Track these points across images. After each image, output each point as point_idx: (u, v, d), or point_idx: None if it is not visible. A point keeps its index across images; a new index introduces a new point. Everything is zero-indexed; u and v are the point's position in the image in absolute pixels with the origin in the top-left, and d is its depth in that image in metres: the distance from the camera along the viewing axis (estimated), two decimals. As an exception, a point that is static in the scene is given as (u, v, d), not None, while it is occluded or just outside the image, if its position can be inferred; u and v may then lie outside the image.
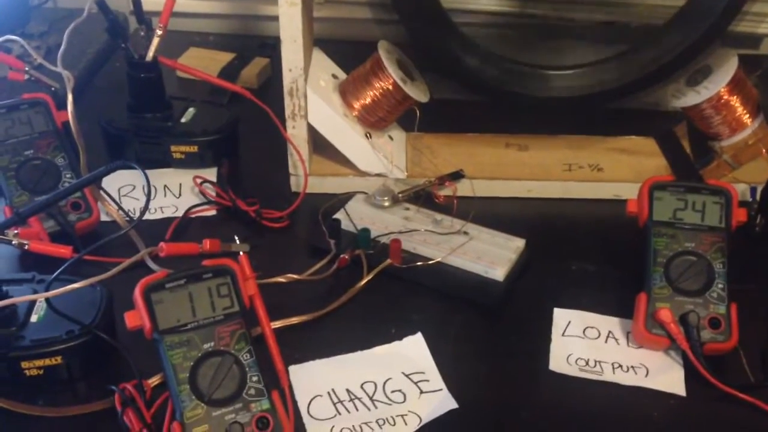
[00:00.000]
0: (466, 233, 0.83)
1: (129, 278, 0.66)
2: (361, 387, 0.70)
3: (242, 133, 0.99)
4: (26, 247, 0.78)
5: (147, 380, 0.68)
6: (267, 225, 0.87)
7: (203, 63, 1.11)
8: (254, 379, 0.63)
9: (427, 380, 0.71)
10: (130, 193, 0.92)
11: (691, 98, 0.90)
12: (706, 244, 0.75)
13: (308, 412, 0.68)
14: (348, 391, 0.70)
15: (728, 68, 0.89)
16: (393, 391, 0.70)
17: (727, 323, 0.72)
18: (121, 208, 0.88)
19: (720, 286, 0.73)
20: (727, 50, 0.91)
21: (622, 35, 1.10)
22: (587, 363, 0.73)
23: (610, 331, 0.76)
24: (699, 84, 0.90)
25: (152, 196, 0.90)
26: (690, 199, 0.76)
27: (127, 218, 0.87)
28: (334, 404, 0.68)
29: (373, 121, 0.92)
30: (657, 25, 1.02)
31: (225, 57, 1.16)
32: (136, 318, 0.62)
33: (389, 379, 0.71)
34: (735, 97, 0.89)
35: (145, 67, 0.93)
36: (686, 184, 0.77)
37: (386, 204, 0.87)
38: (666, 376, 0.71)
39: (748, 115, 0.90)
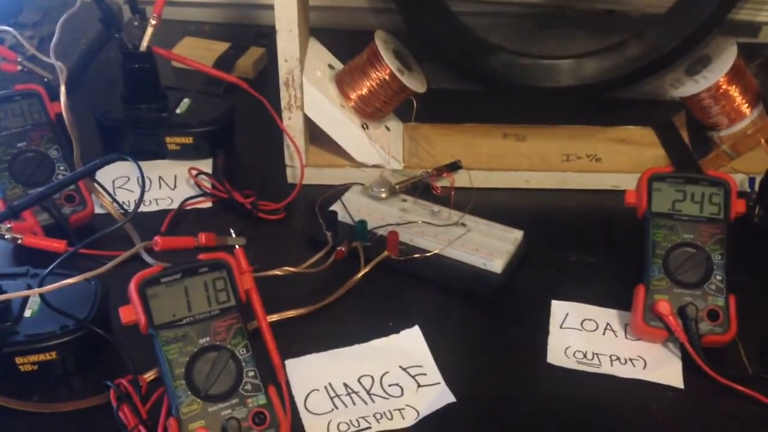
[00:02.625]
0: (463, 225, 0.83)
1: (124, 272, 0.66)
2: (359, 381, 0.70)
3: (238, 123, 0.98)
4: (20, 241, 0.77)
5: (142, 375, 0.67)
6: (263, 217, 0.87)
7: (198, 53, 1.10)
8: (251, 374, 0.63)
9: (425, 374, 0.70)
10: (124, 185, 0.91)
11: (689, 88, 0.90)
12: (705, 235, 0.74)
13: (305, 406, 0.67)
14: (345, 385, 0.69)
15: (727, 57, 0.88)
16: (390, 385, 0.69)
17: (725, 315, 0.71)
18: (115, 200, 0.87)
19: (718, 277, 0.73)
20: (726, 39, 0.90)
21: (621, 24, 1.10)
22: (585, 355, 0.72)
23: (608, 324, 0.76)
24: (698, 73, 0.90)
25: (147, 188, 0.90)
26: (689, 190, 0.76)
27: (122, 211, 0.86)
28: (331, 398, 0.68)
29: (369, 111, 0.92)
30: (656, 14, 1.01)
31: (220, 47, 1.15)
32: (131, 313, 0.62)
33: (386, 372, 0.70)
34: (734, 86, 0.89)
35: (140, 57, 0.92)
36: (685, 175, 0.77)
37: (383, 195, 0.87)
38: (664, 368, 0.71)
39: (747, 105, 0.90)
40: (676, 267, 0.73)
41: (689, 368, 0.71)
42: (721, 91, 0.89)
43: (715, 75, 0.88)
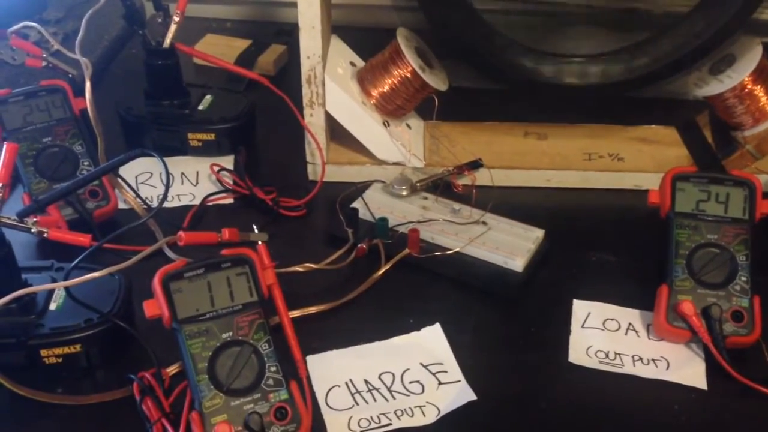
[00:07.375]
0: (484, 223, 0.83)
1: (147, 267, 0.66)
2: (379, 377, 0.70)
3: (259, 120, 0.99)
4: (45, 235, 0.77)
5: (165, 369, 0.68)
6: (284, 213, 0.87)
7: (220, 50, 1.11)
8: (273, 369, 0.63)
9: (446, 371, 0.70)
10: (147, 180, 0.92)
11: (714, 87, 0.89)
12: (729, 236, 0.74)
13: (326, 402, 0.68)
14: (366, 381, 0.69)
15: (752, 57, 0.87)
16: (411, 382, 0.69)
17: (749, 316, 0.71)
18: (138, 195, 0.88)
19: (743, 278, 0.72)
20: (751, 38, 0.90)
21: (643, 23, 1.09)
22: (607, 355, 0.72)
23: (630, 323, 0.75)
24: (722, 73, 0.89)
25: (170, 184, 0.90)
26: (713, 190, 0.75)
27: (145, 206, 0.87)
28: (352, 395, 0.68)
29: (391, 109, 0.92)
30: (679, 12, 1.00)
31: (242, 44, 1.15)
32: (155, 307, 0.62)
33: (407, 369, 0.71)
34: (759, 86, 0.88)
35: (162, 54, 0.93)
36: (709, 175, 0.76)
37: (404, 193, 0.87)
38: (687, 369, 0.71)
39: (772, 105, 0.89)
40: (700, 267, 0.73)
41: (713, 369, 0.70)
42: (746, 90, 0.88)
43: (739, 74, 0.87)
